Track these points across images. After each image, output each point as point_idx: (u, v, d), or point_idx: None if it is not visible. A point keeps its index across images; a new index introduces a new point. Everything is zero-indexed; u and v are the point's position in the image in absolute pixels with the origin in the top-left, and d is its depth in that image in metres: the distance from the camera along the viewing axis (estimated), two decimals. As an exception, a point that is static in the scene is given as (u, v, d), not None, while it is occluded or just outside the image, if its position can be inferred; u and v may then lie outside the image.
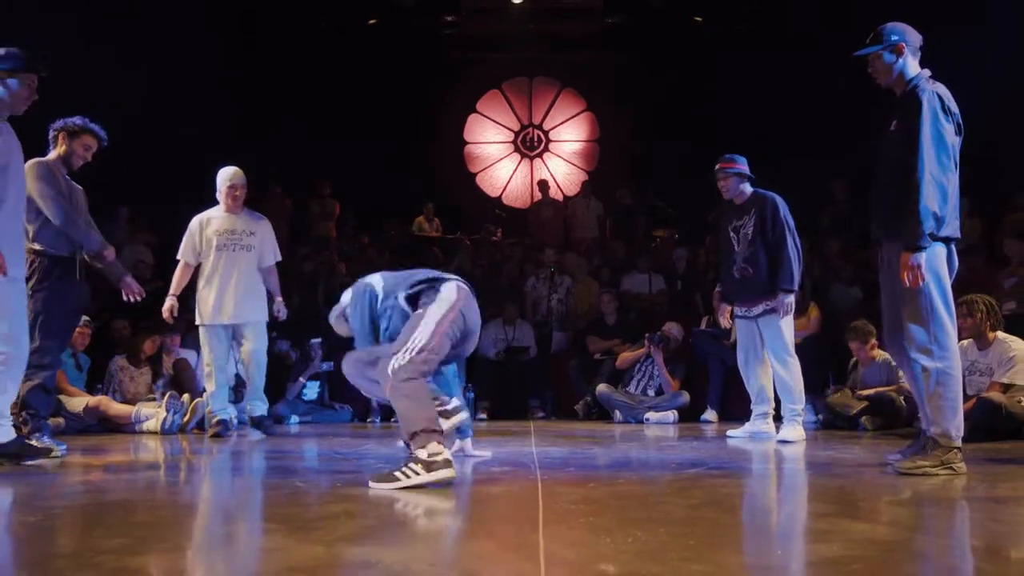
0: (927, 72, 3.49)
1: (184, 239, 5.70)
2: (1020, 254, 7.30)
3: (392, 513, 2.57)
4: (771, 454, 4.50)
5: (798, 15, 10.59)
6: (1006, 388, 5.19)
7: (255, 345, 5.73)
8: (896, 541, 2.11)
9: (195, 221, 5.72)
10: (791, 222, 5.21)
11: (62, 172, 4.55)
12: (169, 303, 5.57)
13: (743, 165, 5.36)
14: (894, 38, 3.48)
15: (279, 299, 5.88)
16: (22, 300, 3.93)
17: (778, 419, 5.36)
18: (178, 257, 5.72)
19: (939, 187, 3.27)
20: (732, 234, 5.38)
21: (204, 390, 5.95)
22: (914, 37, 3.52)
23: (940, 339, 3.35)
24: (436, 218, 12.18)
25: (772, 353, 5.23)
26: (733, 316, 5.47)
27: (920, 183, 3.24)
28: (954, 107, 3.38)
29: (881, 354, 6.23)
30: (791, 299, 5.15)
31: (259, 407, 5.86)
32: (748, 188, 5.37)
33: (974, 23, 8.26)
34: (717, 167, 5.38)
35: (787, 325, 5.20)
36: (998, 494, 2.98)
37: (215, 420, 5.63)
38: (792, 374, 5.18)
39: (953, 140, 3.35)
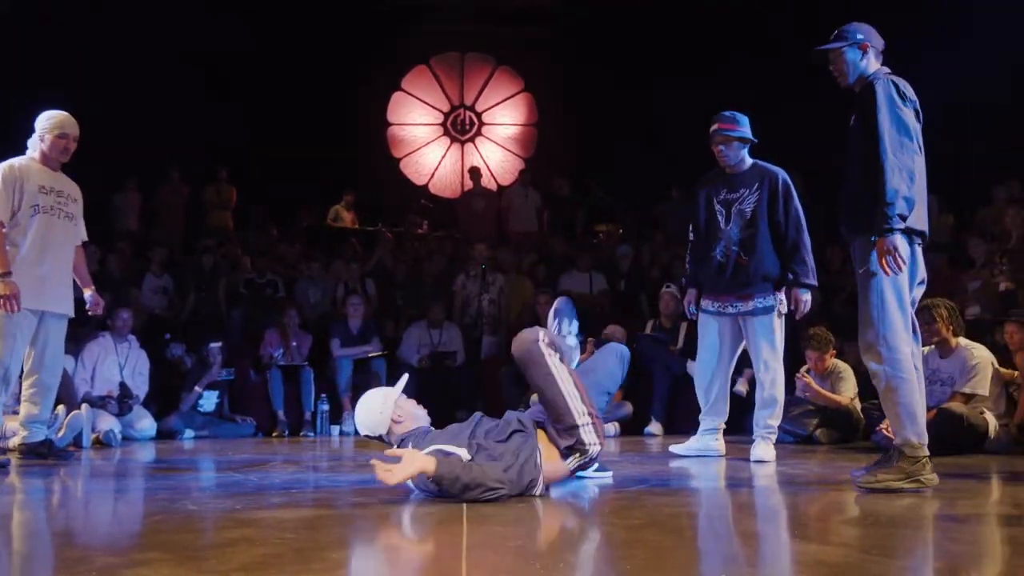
0: (886, 69, 3.66)
1: None
2: (985, 255, 7.62)
3: (298, 539, 2.53)
4: (720, 472, 4.58)
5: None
6: (968, 398, 5.40)
7: (57, 346, 4.92)
8: (847, 564, 2.17)
9: (9, 168, 4.74)
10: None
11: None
12: (10, 287, 4.54)
13: (747, 128, 4.90)
14: (859, 36, 3.65)
15: (92, 290, 5.09)
16: None
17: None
18: None
19: (904, 169, 3.39)
20: (719, 208, 4.93)
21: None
22: (878, 40, 3.70)
23: (888, 340, 3.44)
24: (354, 208, 12.09)
25: (764, 360, 4.86)
26: (699, 309, 5.11)
27: (884, 165, 3.37)
28: (911, 94, 3.54)
29: (833, 363, 6.42)
30: (809, 297, 4.87)
31: (40, 431, 4.95)
32: (748, 157, 4.95)
33: (941, 22, 8.60)
34: (715, 127, 4.89)
35: (781, 328, 4.91)
36: (958, 512, 3.09)
37: None
38: (780, 386, 4.91)
39: (914, 125, 3.49)
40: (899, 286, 3.46)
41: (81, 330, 7.42)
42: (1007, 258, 7.34)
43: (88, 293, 5.07)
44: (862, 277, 3.52)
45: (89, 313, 5.09)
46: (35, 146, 4.90)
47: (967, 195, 9.00)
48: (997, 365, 5.61)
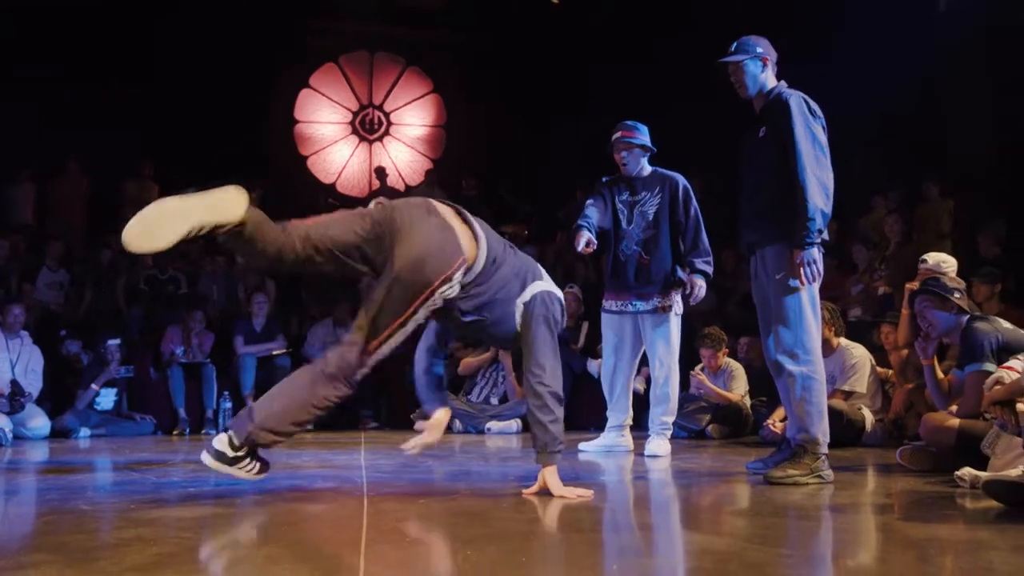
0: (784, 83, 3.81)
1: None
2: (867, 261, 7.96)
3: (195, 538, 2.48)
4: (620, 467, 4.65)
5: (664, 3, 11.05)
6: (847, 395, 5.64)
7: None
8: (732, 552, 2.24)
9: None
10: None
11: None
12: None
13: (647, 136, 5.06)
14: (759, 50, 3.77)
15: None
16: None
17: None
18: None
19: (822, 185, 3.57)
20: (621, 208, 5.03)
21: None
22: (772, 53, 3.83)
23: (805, 343, 3.62)
24: (260, 205, 11.83)
25: (659, 357, 4.96)
26: (602, 309, 5.16)
27: (804, 182, 3.52)
28: (818, 110, 3.68)
29: (726, 361, 6.62)
30: (704, 283, 4.97)
31: None
32: (648, 165, 5.09)
33: (816, 32, 8.89)
34: (617, 135, 5.02)
35: (678, 327, 5.02)
36: (836, 502, 3.22)
37: None
38: (674, 383, 5.02)
39: (824, 139, 3.64)
40: (813, 293, 3.66)
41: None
42: (886, 264, 7.69)
43: None
44: (778, 284, 3.63)
45: None
46: None
47: (849, 203, 9.34)
48: (874, 364, 5.87)
